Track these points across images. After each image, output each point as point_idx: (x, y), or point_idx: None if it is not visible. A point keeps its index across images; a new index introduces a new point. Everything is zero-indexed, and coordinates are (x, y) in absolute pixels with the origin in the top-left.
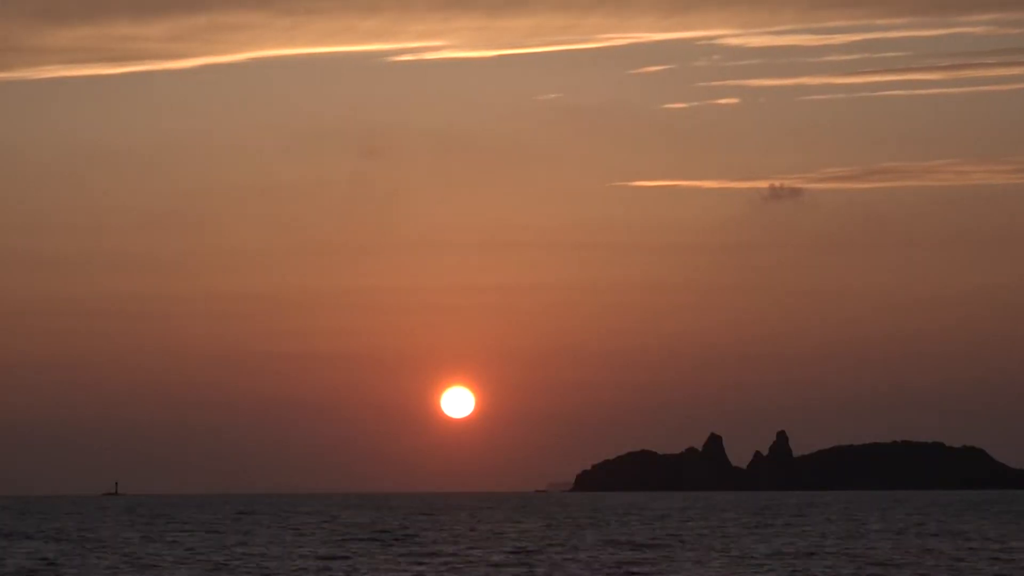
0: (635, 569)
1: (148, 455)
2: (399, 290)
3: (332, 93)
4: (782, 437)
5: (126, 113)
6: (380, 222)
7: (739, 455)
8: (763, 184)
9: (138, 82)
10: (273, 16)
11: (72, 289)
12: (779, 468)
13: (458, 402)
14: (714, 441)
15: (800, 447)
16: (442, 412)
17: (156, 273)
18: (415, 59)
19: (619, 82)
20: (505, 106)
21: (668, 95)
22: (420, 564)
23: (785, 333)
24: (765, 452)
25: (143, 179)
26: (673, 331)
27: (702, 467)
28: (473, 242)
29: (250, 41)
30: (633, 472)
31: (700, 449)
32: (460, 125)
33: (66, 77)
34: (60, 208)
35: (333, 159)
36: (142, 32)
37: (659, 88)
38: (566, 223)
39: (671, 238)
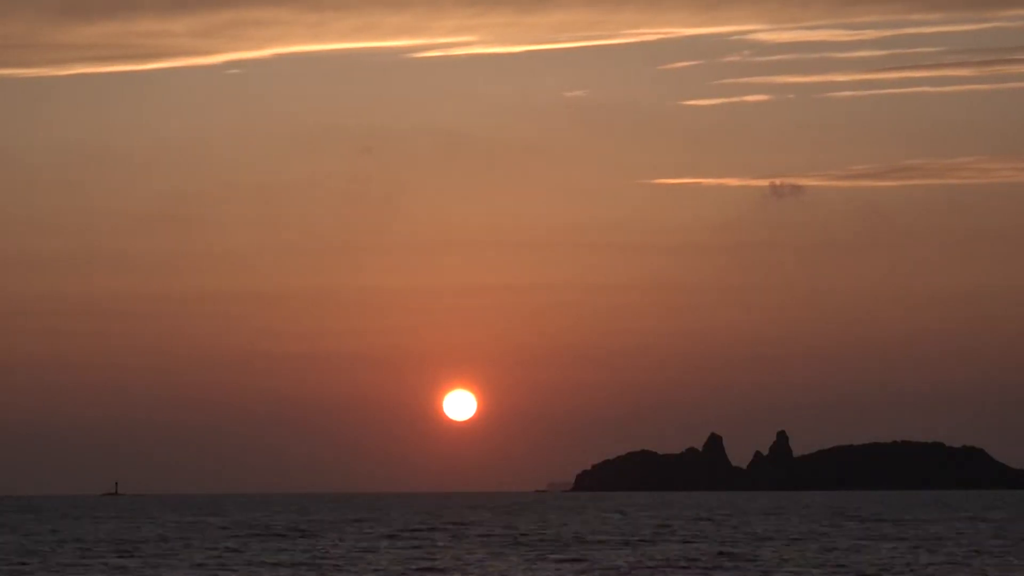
0: None
1: (148, 455)
2: (403, 290)
3: (350, 91)
4: (782, 437)
5: (133, 112)
6: (391, 222)
7: (739, 455)
8: (782, 182)
9: (155, 80)
10: (300, 12)
11: (72, 289)
12: (779, 468)
13: (460, 405)
14: (714, 441)
15: (800, 447)
16: (444, 415)
17: (156, 273)
18: (442, 55)
19: (647, 78)
20: (530, 103)
21: (696, 91)
22: None
23: (786, 333)
24: (765, 452)
25: (146, 179)
26: (673, 331)
27: (702, 467)
28: (479, 242)
29: (276, 38)
30: (633, 472)
31: (700, 449)
32: (480, 123)
33: (81, 75)
34: (62, 208)
35: (349, 158)
36: (166, 28)
37: (687, 84)
38: (575, 222)
39: (677, 238)
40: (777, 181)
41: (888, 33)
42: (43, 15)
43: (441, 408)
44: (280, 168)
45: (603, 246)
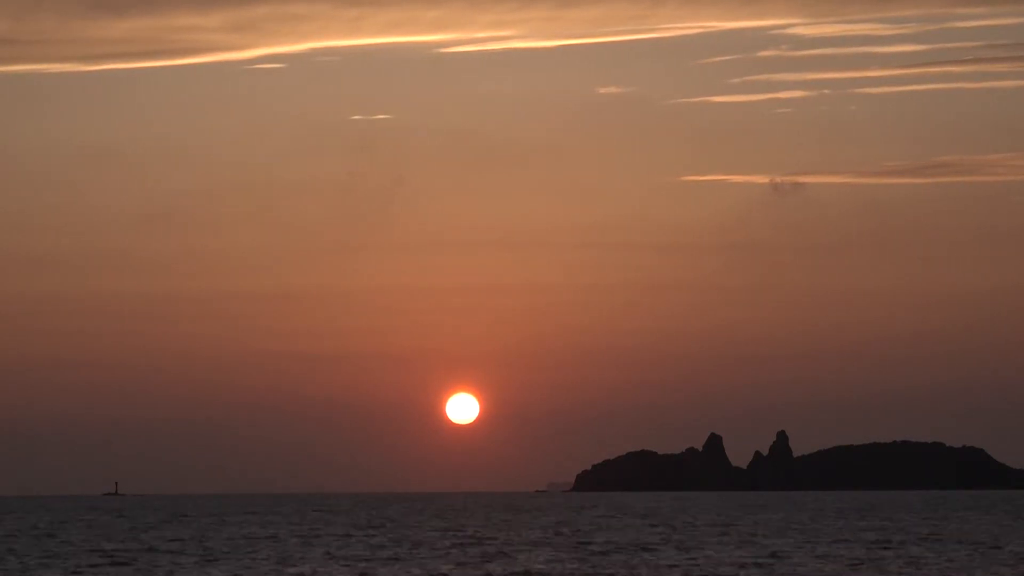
0: None
1: (148, 455)
2: (406, 290)
3: (373, 87)
4: (782, 437)
5: (147, 110)
6: (402, 222)
7: (739, 455)
8: (786, 180)
9: (175, 77)
10: (339, 7)
11: (72, 289)
12: (779, 468)
13: (462, 408)
14: (714, 441)
15: (800, 447)
16: (447, 418)
17: (156, 273)
18: (475, 50)
19: (682, 73)
20: (560, 100)
21: (730, 87)
22: None
23: (786, 333)
24: (765, 452)
25: (153, 177)
26: (674, 331)
27: (702, 467)
28: (488, 242)
29: (313, 32)
30: (633, 472)
31: (700, 449)
32: (500, 121)
33: (110, 70)
34: (64, 207)
35: (356, 156)
36: (199, 23)
37: (721, 80)
38: (584, 222)
39: (682, 237)
40: (786, 179)
41: (929, 27)
42: (75, 9)
43: (444, 411)
44: (287, 167)
45: (608, 246)
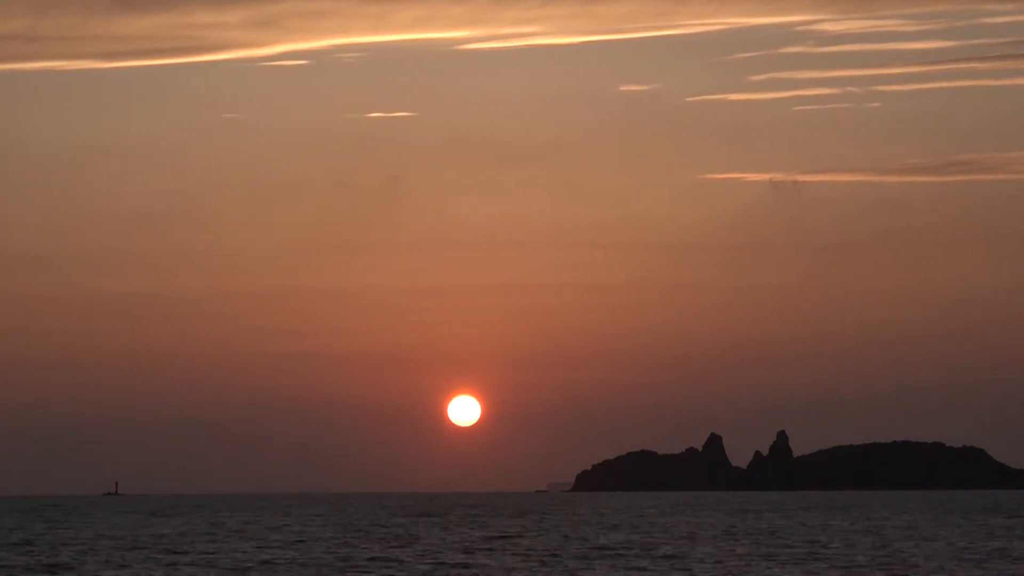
0: None
1: (148, 455)
2: (407, 290)
3: (385, 84)
4: (782, 437)
5: (161, 107)
6: (409, 221)
7: (739, 455)
8: (791, 179)
9: (199, 73)
10: (361, 3)
11: (71, 289)
12: (779, 468)
13: (464, 410)
14: (714, 441)
15: (800, 447)
16: (448, 420)
17: (156, 273)
18: (496, 47)
19: (704, 70)
20: (578, 98)
21: (751, 84)
22: None
23: (786, 333)
24: (765, 452)
25: (169, 175)
26: (674, 331)
27: (702, 467)
28: (491, 242)
29: (334, 29)
30: (633, 472)
31: (700, 449)
32: (523, 118)
33: (131, 67)
34: (75, 205)
35: (356, 155)
36: (220, 19)
37: (743, 77)
38: (593, 222)
39: (695, 237)
40: (800, 178)
41: (956, 24)
42: (95, 6)
43: (445, 413)
44: (287, 167)
45: (618, 246)
